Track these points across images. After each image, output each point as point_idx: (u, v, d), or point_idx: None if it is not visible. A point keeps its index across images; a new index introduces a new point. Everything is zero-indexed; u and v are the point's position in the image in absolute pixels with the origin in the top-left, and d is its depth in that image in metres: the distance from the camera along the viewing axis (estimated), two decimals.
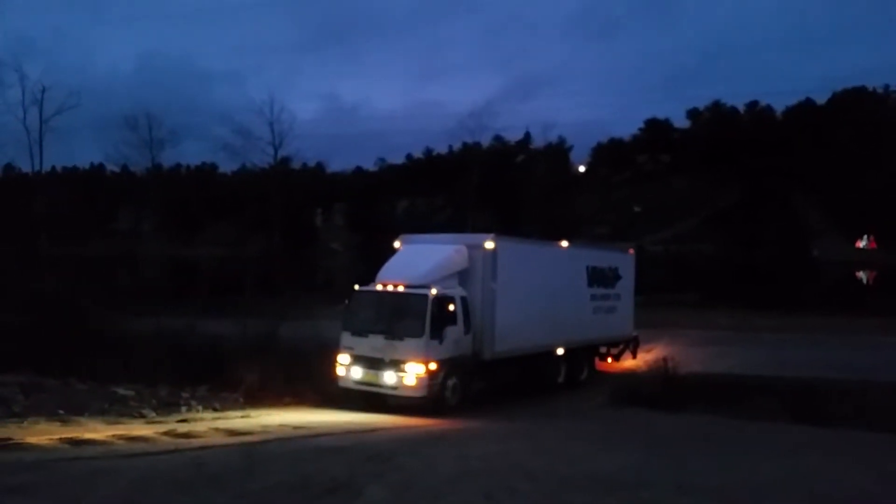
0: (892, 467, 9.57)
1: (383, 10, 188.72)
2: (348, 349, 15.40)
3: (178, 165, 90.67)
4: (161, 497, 7.24)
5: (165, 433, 11.02)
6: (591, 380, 19.40)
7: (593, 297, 20.07)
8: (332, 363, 16.24)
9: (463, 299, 15.36)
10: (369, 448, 10.30)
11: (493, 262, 15.80)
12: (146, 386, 15.81)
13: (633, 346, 21.88)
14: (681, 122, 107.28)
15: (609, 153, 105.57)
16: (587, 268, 19.97)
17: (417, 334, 14.43)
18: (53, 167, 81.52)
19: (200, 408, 14.59)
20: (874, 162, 69.15)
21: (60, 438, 10.04)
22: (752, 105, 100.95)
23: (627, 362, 21.48)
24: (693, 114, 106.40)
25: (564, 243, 20.07)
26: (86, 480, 7.62)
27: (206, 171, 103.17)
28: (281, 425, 12.84)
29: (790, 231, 70.75)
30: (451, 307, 14.99)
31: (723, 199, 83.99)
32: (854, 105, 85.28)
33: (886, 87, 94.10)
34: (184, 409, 14.35)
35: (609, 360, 21.14)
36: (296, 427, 12.63)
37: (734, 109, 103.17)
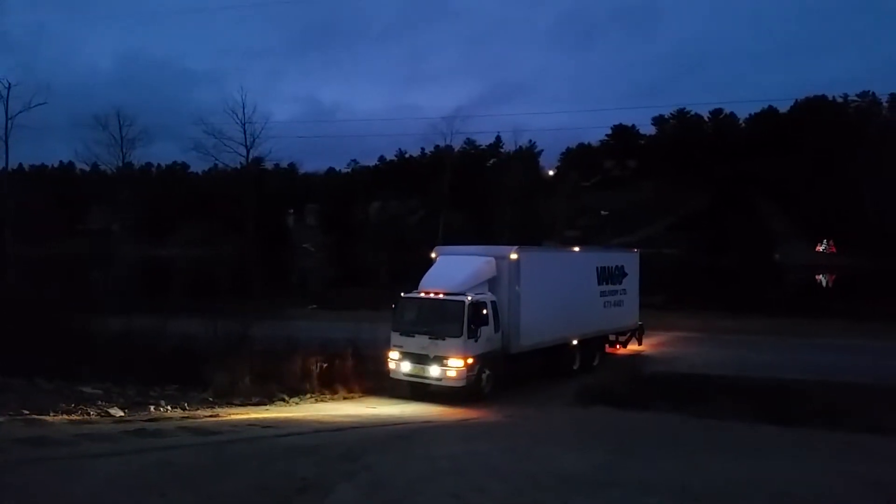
0: (854, 466, 9.76)
1: (366, 16, 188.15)
2: (398, 347, 17.73)
3: (149, 165, 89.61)
4: (128, 498, 7.18)
5: (133, 433, 10.91)
6: (602, 365, 21.58)
7: (603, 294, 22.49)
8: (308, 362, 17.53)
9: (493, 303, 17.72)
10: (339, 447, 10.30)
11: (517, 270, 18.30)
12: (114, 385, 15.62)
13: (638, 333, 24.44)
14: (648, 128, 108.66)
15: (578, 158, 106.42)
16: (597, 268, 22.44)
17: (457, 335, 16.76)
18: (21, 165, 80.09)
19: (169, 407, 14.48)
20: (834, 168, 70.73)
21: (24, 439, 9.87)
22: (717, 113, 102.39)
23: (633, 347, 24.10)
24: (659, 121, 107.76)
25: (576, 248, 23.29)
26: (50, 482, 7.53)
27: (177, 171, 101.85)
28: (250, 425, 12.80)
29: (753, 235, 71.88)
30: (484, 311, 17.33)
31: (688, 204, 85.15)
32: (815, 113, 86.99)
33: (846, 96, 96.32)
34: (152, 408, 14.22)
35: (618, 346, 23.72)
36: (265, 426, 12.60)
37: (699, 117, 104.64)
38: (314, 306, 37.33)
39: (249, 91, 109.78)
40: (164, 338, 19.56)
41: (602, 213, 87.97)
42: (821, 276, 67.45)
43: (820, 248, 79.97)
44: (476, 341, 16.93)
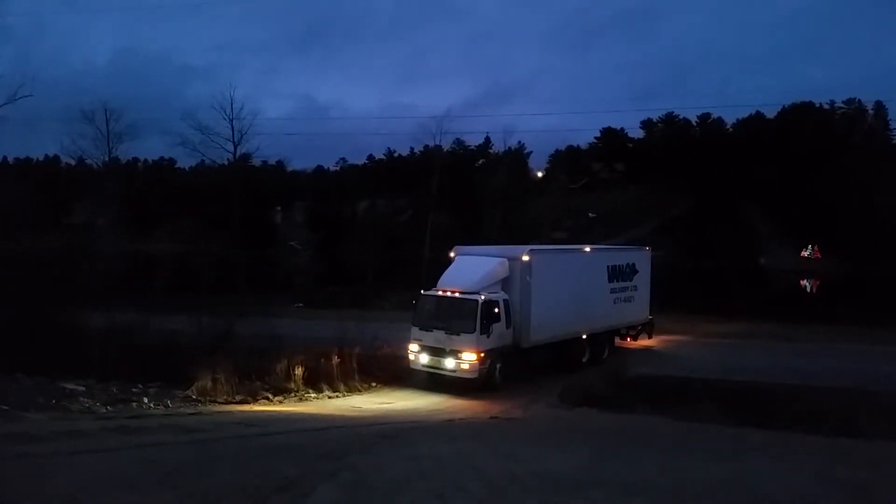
0: (833, 470, 9.81)
1: (365, 15, 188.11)
2: (417, 340, 19.15)
3: (136, 160, 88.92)
4: (108, 496, 7.11)
5: (115, 430, 10.83)
6: (611, 357, 22.67)
7: (613, 291, 23.63)
8: (293, 360, 17.66)
9: (505, 302, 19.10)
10: (322, 446, 10.27)
11: (529, 271, 19.60)
12: (97, 381, 15.47)
13: (648, 327, 25.57)
14: (637, 132, 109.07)
15: (567, 160, 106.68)
16: (608, 266, 23.57)
17: (470, 331, 18.18)
18: (5, 158, 79.38)
19: (152, 404, 14.38)
20: (819, 174, 71.35)
21: (3, 435, 9.76)
22: (704, 117, 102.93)
23: (643, 341, 25.18)
24: (647, 124, 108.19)
25: (587, 248, 24.33)
26: (29, 479, 7.46)
27: (164, 167, 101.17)
28: (233, 423, 12.74)
29: (739, 239, 72.26)
30: (496, 309, 18.72)
31: (675, 208, 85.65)
32: (802, 119, 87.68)
33: (832, 102, 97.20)
34: (135, 405, 14.12)
35: (628, 339, 24.88)
36: (248, 425, 12.55)
37: (686, 121, 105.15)
38: (300, 304, 37.22)
39: (244, 88, 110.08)
40: (148, 334, 19.44)
41: (590, 214, 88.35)
42: (805, 280, 67.97)
43: (805, 253, 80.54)
44: (488, 337, 18.31)
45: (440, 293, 19.41)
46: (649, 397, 16.14)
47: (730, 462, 10.31)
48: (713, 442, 12.55)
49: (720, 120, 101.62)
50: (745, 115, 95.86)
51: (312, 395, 17.56)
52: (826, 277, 65.84)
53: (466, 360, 18.16)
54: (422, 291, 19.98)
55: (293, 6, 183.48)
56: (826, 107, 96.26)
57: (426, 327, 19.02)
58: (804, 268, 73.06)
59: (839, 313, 33.35)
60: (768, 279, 66.91)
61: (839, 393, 16.42)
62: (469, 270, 19.73)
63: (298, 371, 17.74)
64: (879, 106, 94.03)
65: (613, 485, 8.33)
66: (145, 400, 14.67)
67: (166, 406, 14.39)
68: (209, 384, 16.10)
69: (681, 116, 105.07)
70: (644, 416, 15.02)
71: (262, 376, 17.33)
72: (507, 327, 19.11)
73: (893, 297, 36.57)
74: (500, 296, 19.13)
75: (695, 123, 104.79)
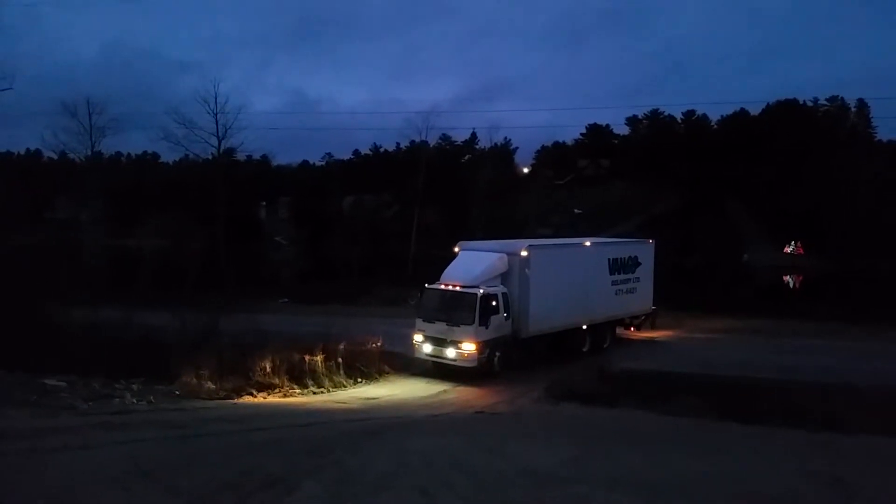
0: (815, 464, 9.92)
1: (356, 11, 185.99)
2: (421, 331, 20.21)
3: (119, 154, 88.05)
4: (91, 493, 7.06)
5: (98, 426, 10.74)
6: (613, 347, 23.54)
7: (615, 283, 24.38)
8: (277, 356, 17.69)
9: (504, 295, 20.02)
10: (307, 442, 10.25)
11: (527, 265, 20.47)
12: (79, 377, 15.32)
13: (652, 318, 26.53)
14: (622, 129, 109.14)
15: (553, 156, 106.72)
16: (609, 259, 24.33)
17: (470, 322, 19.19)
18: None
19: (135, 400, 14.27)
20: (802, 171, 71.92)
21: None
22: (689, 114, 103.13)
23: (646, 332, 25.97)
24: (632, 121, 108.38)
25: (587, 242, 24.97)
26: (9, 477, 7.38)
27: (148, 161, 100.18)
28: (217, 419, 12.67)
29: (722, 236, 72.56)
30: (494, 302, 19.64)
31: (659, 204, 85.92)
32: (786, 117, 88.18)
33: (815, 100, 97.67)
34: (118, 401, 14.00)
35: (632, 329, 25.82)
36: (232, 421, 12.49)
37: (671, 118, 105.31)
38: (285, 300, 37.07)
39: (232, 82, 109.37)
40: (131, 330, 19.30)
41: (575, 210, 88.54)
42: (788, 277, 68.50)
43: (788, 250, 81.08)
44: (487, 328, 19.24)
45: (442, 287, 20.22)
46: (634, 392, 16.20)
47: (713, 456, 10.38)
48: (697, 437, 12.64)
49: (705, 117, 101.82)
50: (730, 112, 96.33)
51: (297, 390, 17.52)
52: (809, 274, 66.33)
53: (466, 349, 19.10)
54: (426, 285, 20.68)
55: (280, 2, 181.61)
56: (810, 104, 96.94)
57: (429, 318, 20.01)
58: (787, 264, 73.61)
59: (822, 309, 33.53)
60: (752, 275, 67.33)
61: (821, 388, 16.55)
62: (470, 265, 20.58)
63: (283, 367, 17.67)
64: (862, 104, 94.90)
65: (597, 479, 8.36)
66: (128, 396, 14.54)
67: (150, 402, 14.28)
68: (193, 380, 16.02)
69: (666, 113, 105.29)
70: (628, 410, 15.10)
71: (247, 372, 17.24)
72: (506, 318, 19.94)
73: (875, 293, 36.93)
74: (499, 289, 19.96)
75: (680, 120, 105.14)
